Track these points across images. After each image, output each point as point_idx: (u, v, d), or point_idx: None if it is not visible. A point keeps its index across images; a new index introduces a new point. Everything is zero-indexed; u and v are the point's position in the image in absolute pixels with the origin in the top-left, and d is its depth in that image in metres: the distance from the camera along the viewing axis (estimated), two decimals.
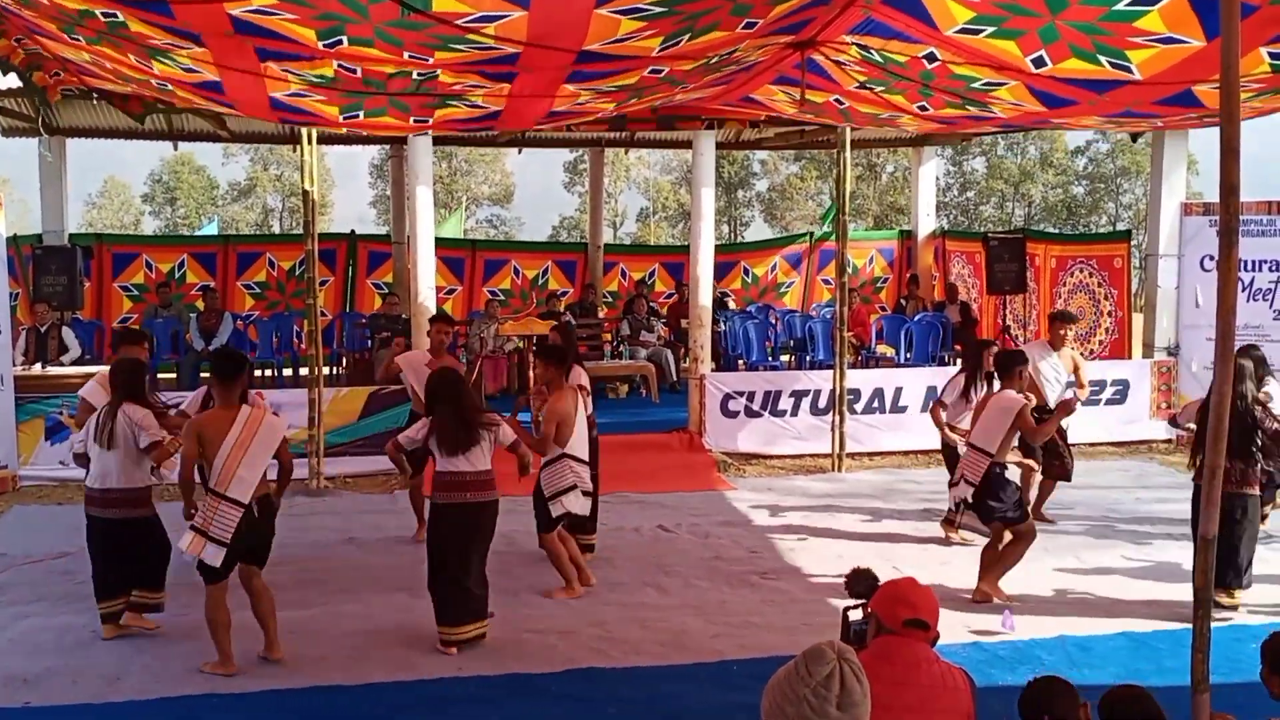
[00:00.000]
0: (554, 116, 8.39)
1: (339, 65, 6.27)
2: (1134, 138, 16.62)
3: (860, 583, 3.86)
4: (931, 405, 8.92)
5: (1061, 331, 9.21)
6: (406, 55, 5.92)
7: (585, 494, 7.28)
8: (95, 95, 9.19)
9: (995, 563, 7.22)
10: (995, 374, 8.28)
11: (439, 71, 6.53)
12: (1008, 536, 7.29)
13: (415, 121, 8.35)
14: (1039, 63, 6.00)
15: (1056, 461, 9.00)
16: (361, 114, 7.83)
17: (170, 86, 7.27)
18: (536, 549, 7.52)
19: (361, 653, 6.31)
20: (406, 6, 4.92)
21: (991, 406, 7.42)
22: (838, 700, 2.25)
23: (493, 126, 8.89)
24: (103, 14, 5.43)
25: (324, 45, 5.76)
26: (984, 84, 6.70)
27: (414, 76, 6.67)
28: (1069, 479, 9.15)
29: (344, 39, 5.64)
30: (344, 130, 9.12)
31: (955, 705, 3.26)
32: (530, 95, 7.19)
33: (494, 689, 5.81)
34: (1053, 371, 9.09)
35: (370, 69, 6.46)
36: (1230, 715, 3.39)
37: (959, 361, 13.81)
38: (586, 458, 7.35)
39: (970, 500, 7.35)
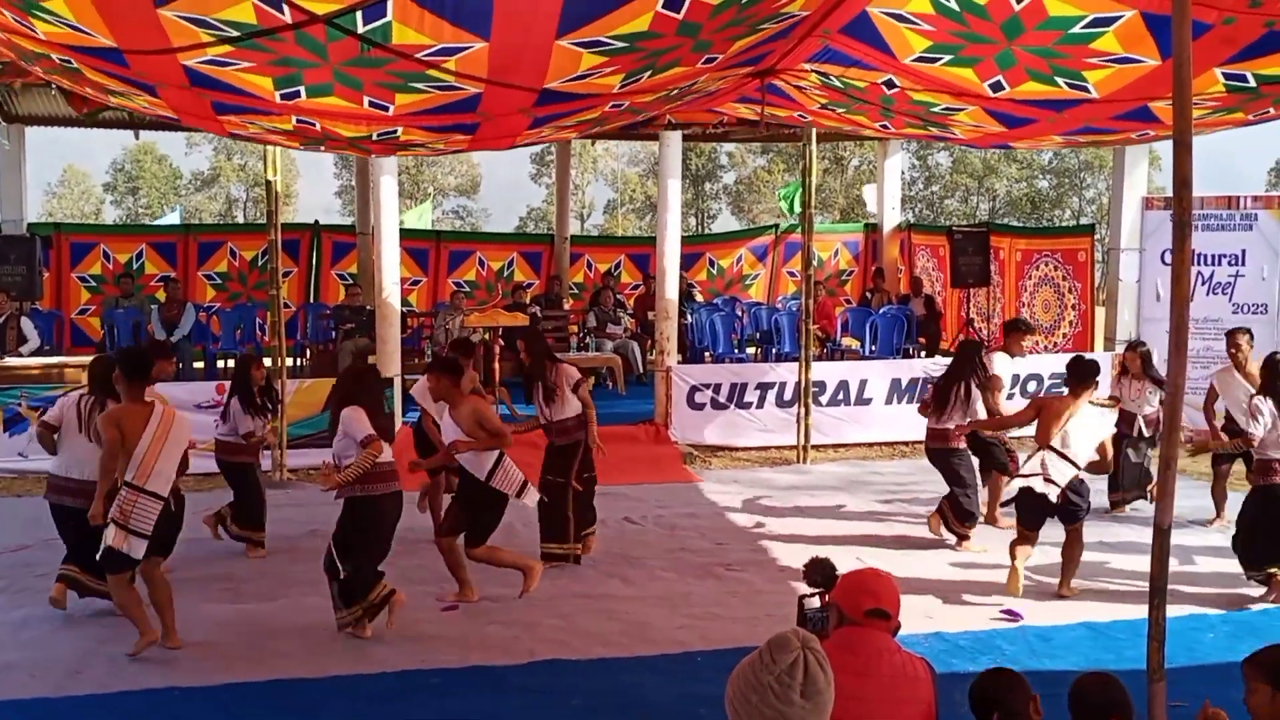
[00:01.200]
0: (518, 145, 8.39)
1: (298, 120, 6.19)
2: None
3: (818, 572, 3.88)
4: (971, 423, 8.29)
5: (1024, 343, 9.11)
6: (366, 102, 5.78)
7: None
8: (53, 86, 9.08)
9: (1071, 563, 7.16)
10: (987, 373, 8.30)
11: (399, 130, 6.47)
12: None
13: (377, 155, 8.30)
14: (996, 87, 6.03)
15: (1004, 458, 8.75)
16: (323, 148, 7.79)
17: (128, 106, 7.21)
18: (504, 539, 7.46)
19: (324, 645, 6.27)
20: (366, 42, 4.81)
21: (1083, 415, 7.11)
22: (801, 688, 2.26)
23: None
24: (59, 59, 5.36)
25: (281, 97, 5.62)
26: (943, 109, 6.74)
27: (372, 137, 6.62)
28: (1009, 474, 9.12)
29: (301, 89, 5.49)
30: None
31: (916, 694, 3.28)
32: (492, 138, 7.18)
33: (457, 681, 5.79)
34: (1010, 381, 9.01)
35: (329, 127, 6.38)
36: (1222, 711, 3.37)
37: (923, 355, 13.99)
38: None
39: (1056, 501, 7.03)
